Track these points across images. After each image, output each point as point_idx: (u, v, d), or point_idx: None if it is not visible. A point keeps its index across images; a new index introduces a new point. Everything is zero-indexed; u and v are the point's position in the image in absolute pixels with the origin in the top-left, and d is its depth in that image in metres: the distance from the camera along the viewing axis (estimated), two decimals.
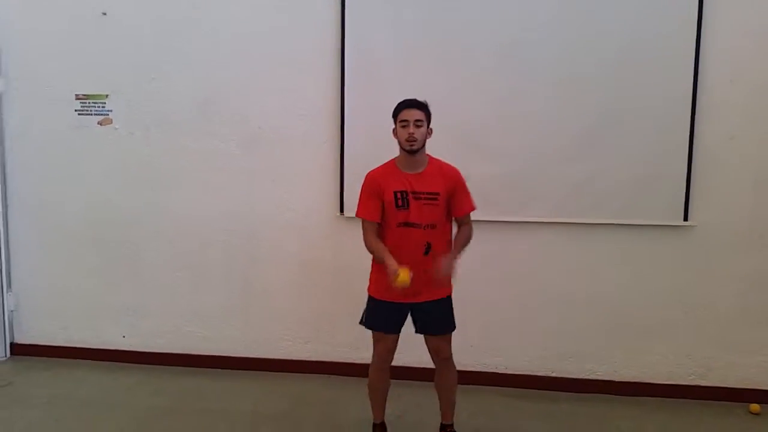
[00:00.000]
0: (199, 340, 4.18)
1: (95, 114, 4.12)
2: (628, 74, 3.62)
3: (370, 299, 2.99)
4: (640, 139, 3.64)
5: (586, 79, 3.65)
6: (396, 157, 2.89)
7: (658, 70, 3.60)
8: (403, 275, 2.62)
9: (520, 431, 3.35)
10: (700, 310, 3.75)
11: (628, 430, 3.37)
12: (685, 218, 3.68)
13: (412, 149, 2.78)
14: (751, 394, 3.72)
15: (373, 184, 2.85)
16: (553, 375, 3.88)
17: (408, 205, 2.80)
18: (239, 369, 4.12)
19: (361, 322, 3.03)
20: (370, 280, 3.00)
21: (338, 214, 3.93)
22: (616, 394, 3.80)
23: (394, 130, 2.85)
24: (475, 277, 3.60)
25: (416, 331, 2.98)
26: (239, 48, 3.94)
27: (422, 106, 2.81)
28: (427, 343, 3.01)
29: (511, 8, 3.68)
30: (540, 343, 3.88)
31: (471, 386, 3.76)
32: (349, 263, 3.91)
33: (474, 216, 2.97)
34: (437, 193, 2.82)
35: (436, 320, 2.96)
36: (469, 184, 2.95)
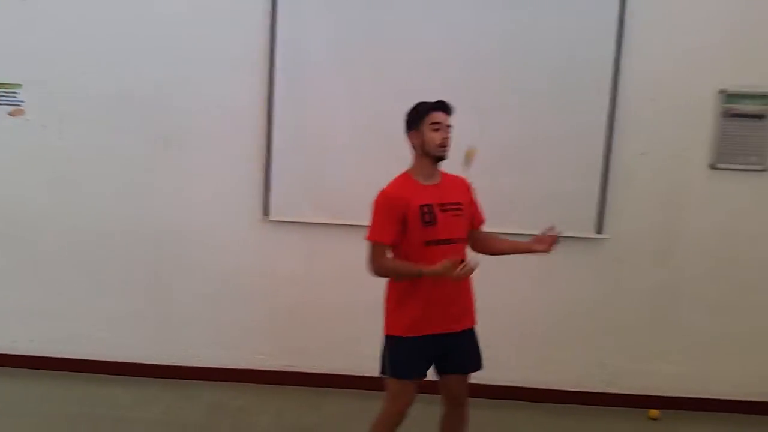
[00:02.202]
0: (110, 346, 4.01)
1: (6, 104, 3.90)
2: (551, 93, 3.72)
3: (394, 340, 2.48)
4: (559, 154, 3.76)
5: (509, 97, 3.73)
6: (410, 170, 2.54)
7: (578, 90, 3.72)
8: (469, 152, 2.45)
9: None
10: (610, 320, 3.90)
11: None
12: (599, 231, 3.80)
13: (443, 155, 2.47)
14: (654, 400, 3.90)
15: (397, 201, 2.41)
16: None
17: (435, 219, 2.42)
18: (151, 377, 3.98)
19: (383, 373, 2.55)
20: (389, 316, 2.51)
21: (262, 217, 3.85)
22: (527, 401, 3.90)
23: (414, 133, 2.49)
24: None
25: (443, 372, 2.57)
26: (161, 43, 3.81)
27: (452, 111, 2.51)
28: (445, 387, 2.61)
29: (439, 25, 3.72)
30: None
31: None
32: (272, 270, 3.89)
33: None
34: (461, 203, 2.54)
35: (473, 353, 2.61)
36: None
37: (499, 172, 3.71)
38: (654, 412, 3.83)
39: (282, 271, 3.91)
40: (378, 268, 2.45)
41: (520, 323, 3.88)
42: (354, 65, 3.74)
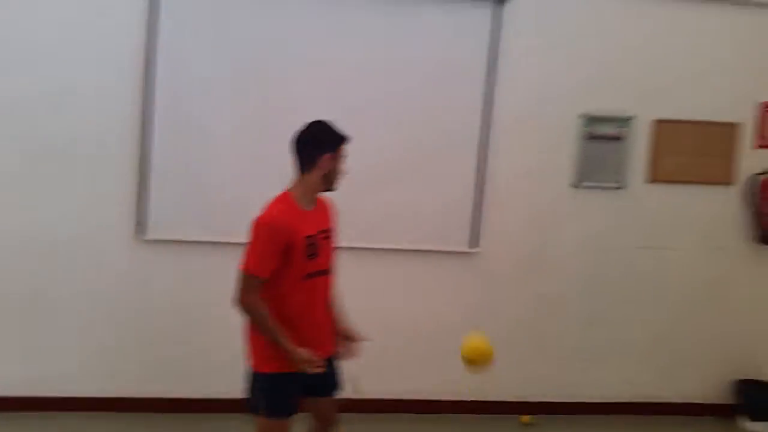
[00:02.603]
0: None
1: None
2: (425, 109, 3.84)
3: (267, 378, 2.32)
4: (433, 170, 3.88)
5: (383, 111, 3.80)
6: (293, 191, 2.36)
7: (451, 109, 3.87)
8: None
9: None
10: (483, 330, 4.03)
11: None
12: (473, 245, 3.96)
13: (335, 188, 2.41)
14: (526, 406, 4.10)
15: (282, 231, 2.22)
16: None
17: (318, 251, 2.31)
18: (17, 410, 3.67)
19: (254, 411, 2.38)
20: (262, 351, 2.32)
21: (135, 235, 3.69)
22: (404, 412, 3.98)
23: (318, 156, 2.31)
24: None
25: (315, 395, 2.47)
26: (35, 50, 3.52)
27: None
28: (317, 410, 2.55)
29: (318, 27, 3.73)
30: None
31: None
32: (144, 295, 3.72)
33: None
34: (330, 229, 2.45)
35: (339, 374, 2.58)
36: None
37: (373, 186, 3.76)
38: (526, 418, 4.03)
39: (158, 293, 3.75)
40: (248, 305, 2.24)
41: (393, 336, 3.90)
42: (238, 76, 3.68)
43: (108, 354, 3.76)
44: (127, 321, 3.74)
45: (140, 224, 3.66)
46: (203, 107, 3.65)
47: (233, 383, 3.65)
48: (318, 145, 2.33)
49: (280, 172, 3.54)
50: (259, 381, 2.36)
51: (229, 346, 3.69)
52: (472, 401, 4.08)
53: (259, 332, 2.30)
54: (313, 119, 2.45)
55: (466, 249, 3.98)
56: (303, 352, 2.22)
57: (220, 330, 3.72)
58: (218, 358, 3.75)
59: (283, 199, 2.34)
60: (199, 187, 3.69)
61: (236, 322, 3.61)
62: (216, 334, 3.74)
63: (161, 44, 3.55)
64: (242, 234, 3.36)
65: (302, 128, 2.40)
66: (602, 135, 4.02)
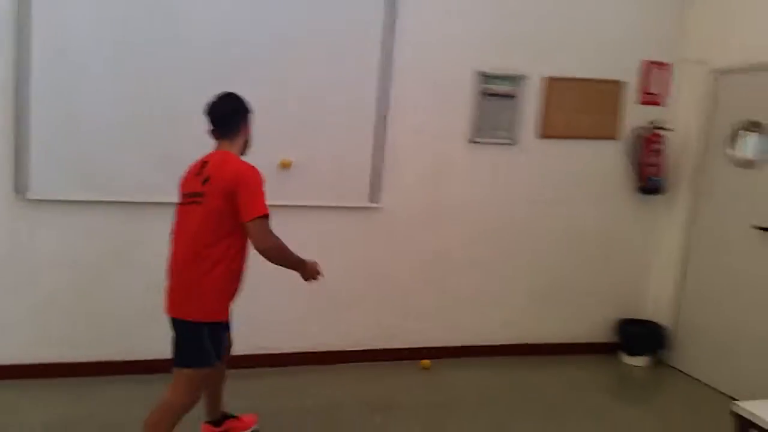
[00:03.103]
0: None
1: None
2: (328, 72, 3.85)
3: (211, 327, 2.46)
4: (338, 131, 3.93)
5: (286, 72, 3.79)
6: (233, 153, 2.58)
7: (351, 69, 3.90)
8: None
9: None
10: (386, 282, 4.20)
11: (322, 397, 3.68)
12: (374, 201, 4.06)
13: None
14: (425, 352, 4.31)
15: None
16: (254, 353, 3.99)
17: None
18: None
19: (185, 364, 2.46)
20: (211, 301, 2.44)
21: (14, 195, 3.50)
22: (315, 364, 4.11)
23: (242, 124, 2.63)
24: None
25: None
26: None
27: None
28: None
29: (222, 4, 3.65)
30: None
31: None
32: (31, 255, 3.60)
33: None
34: None
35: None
36: None
37: (276, 145, 3.78)
38: (425, 362, 4.23)
39: (43, 255, 3.62)
40: (276, 242, 2.44)
41: (302, 291, 3.95)
42: (124, 33, 3.54)
43: None
44: (13, 284, 3.60)
45: (20, 184, 3.50)
46: (82, 64, 3.49)
47: (125, 346, 3.74)
48: (241, 114, 2.62)
49: (158, 130, 3.60)
50: (201, 330, 2.44)
51: (122, 307, 3.74)
52: (374, 350, 4.25)
53: (223, 272, 2.45)
54: (223, 92, 2.65)
55: (367, 204, 4.07)
56: (315, 263, 2.63)
57: (110, 290, 3.72)
58: (111, 321, 3.75)
59: (238, 157, 2.57)
60: (79, 146, 3.55)
61: (123, 281, 3.69)
62: (105, 294, 3.72)
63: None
64: (121, 193, 3.45)
65: (220, 100, 2.60)
66: (496, 92, 4.15)
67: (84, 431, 3.14)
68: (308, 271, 2.63)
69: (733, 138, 4.07)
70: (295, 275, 2.67)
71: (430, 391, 3.89)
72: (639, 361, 4.54)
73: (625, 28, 4.31)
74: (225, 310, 2.55)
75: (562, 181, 4.41)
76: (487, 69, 4.11)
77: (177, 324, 2.50)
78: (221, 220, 2.42)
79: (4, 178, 3.46)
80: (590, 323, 4.67)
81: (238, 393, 3.31)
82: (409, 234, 4.20)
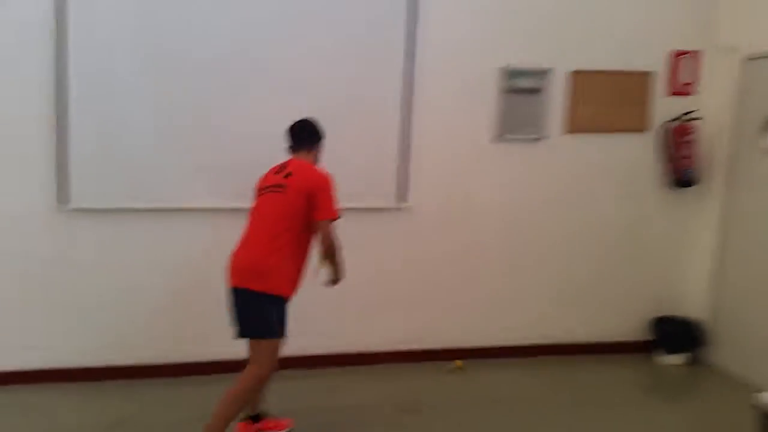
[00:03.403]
0: None
1: None
2: (349, 73, 3.88)
3: (283, 300, 2.88)
4: (362, 131, 3.94)
5: (307, 72, 3.82)
6: (310, 163, 3.03)
7: (374, 70, 3.92)
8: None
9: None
10: (416, 283, 4.18)
11: (354, 398, 3.71)
12: (402, 200, 4.07)
13: None
14: (458, 352, 4.27)
15: None
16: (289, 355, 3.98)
17: None
18: None
19: (265, 335, 2.83)
20: (283, 277, 2.84)
21: (57, 205, 3.62)
22: (348, 365, 4.11)
23: (318, 143, 3.11)
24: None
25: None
26: None
27: None
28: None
29: (243, 3, 3.70)
30: None
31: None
32: (74, 262, 3.70)
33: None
34: None
35: None
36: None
37: None
38: (458, 363, 4.20)
39: (86, 262, 3.73)
40: (338, 242, 2.88)
41: (328, 292, 3.95)
42: (152, 42, 3.63)
43: (40, 326, 3.75)
44: (57, 292, 3.72)
45: (62, 194, 3.61)
46: (118, 76, 3.60)
47: (166, 349, 3.81)
48: (319, 135, 3.10)
49: (194, 139, 3.66)
50: (276, 303, 2.84)
51: (163, 313, 3.82)
52: (405, 351, 4.23)
53: (296, 253, 2.89)
54: (304, 116, 3.12)
55: (395, 205, 4.06)
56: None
57: (152, 296, 3.81)
58: (153, 325, 3.83)
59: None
60: (120, 154, 3.66)
61: (167, 286, 3.77)
62: (148, 301, 3.82)
63: (72, 10, 3.47)
64: (160, 200, 3.52)
65: (304, 121, 3.10)
66: (521, 88, 4.12)
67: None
68: (341, 274, 2.99)
69: (766, 127, 3.96)
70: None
71: (462, 392, 3.86)
72: (676, 359, 4.43)
73: (652, 18, 4.23)
74: (291, 288, 2.90)
75: (590, 176, 4.34)
76: (512, 65, 4.07)
77: (243, 294, 2.82)
78: (297, 213, 2.83)
79: (47, 189, 3.59)
80: (625, 321, 4.58)
81: (272, 393, 3.33)
82: (437, 233, 4.18)
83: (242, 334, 2.85)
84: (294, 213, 2.83)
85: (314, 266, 2.99)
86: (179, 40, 3.65)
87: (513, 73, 4.09)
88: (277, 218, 2.84)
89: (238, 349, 3.00)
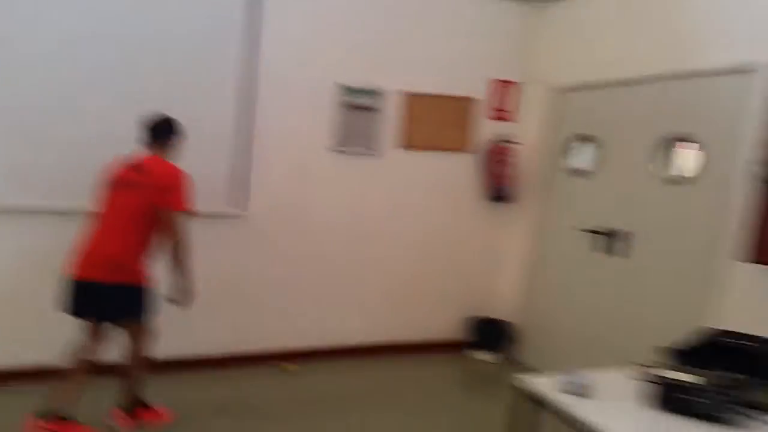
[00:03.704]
0: None
1: None
2: (185, 83, 3.91)
3: (147, 288, 3.14)
4: (201, 135, 3.89)
5: (148, 86, 3.83)
6: (164, 158, 3.16)
7: (210, 82, 3.99)
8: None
9: None
10: (247, 287, 4.31)
11: (174, 401, 3.67)
12: (242, 208, 4.18)
13: None
14: (288, 356, 4.47)
15: None
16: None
17: None
18: None
19: (139, 317, 3.14)
20: (141, 271, 3.08)
21: None
22: (175, 372, 4.10)
23: (176, 140, 3.23)
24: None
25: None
26: None
27: None
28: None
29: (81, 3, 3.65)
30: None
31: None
32: None
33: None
34: None
35: None
36: None
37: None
38: (288, 366, 4.38)
39: None
40: (184, 237, 3.06)
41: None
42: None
43: None
44: None
45: None
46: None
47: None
48: (174, 132, 3.21)
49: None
50: (143, 292, 3.11)
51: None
52: (232, 355, 4.33)
53: (143, 248, 3.07)
54: (161, 113, 3.23)
55: (235, 212, 4.16)
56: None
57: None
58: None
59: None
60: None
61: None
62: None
63: None
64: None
65: (160, 117, 3.20)
66: (358, 105, 4.41)
67: None
68: (190, 286, 3.24)
69: (568, 150, 4.55)
70: None
71: (290, 393, 4.02)
72: (489, 357, 4.91)
73: (474, 48, 4.69)
74: (146, 279, 3.13)
75: (419, 190, 4.72)
76: (349, 83, 4.34)
77: (96, 287, 3.03)
78: (150, 209, 3.00)
79: None
80: (445, 322, 5.03)
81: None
82: (275, 240, 4.33)
83: (112, 319, 3.12)
84: (147, 209, 3.01)
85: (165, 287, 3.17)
86: (7, 27, 3.52)
87: (350, 91, 4.36)
88: (131, 214, 3.01)
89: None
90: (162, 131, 3.17)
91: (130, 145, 3.36)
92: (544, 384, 2.34)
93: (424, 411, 3.92)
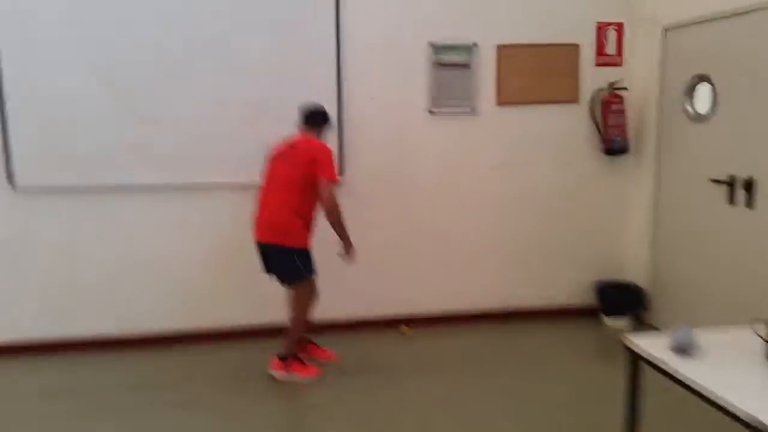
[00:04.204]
0: None
1: None
2: (282, 54, 4.09)
3: (306, 251, 3.53)
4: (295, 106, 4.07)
5: (247, 59, 4.05)
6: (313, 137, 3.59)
7: (306, 50, 4.11)
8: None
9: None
10: (359, 254, 4.26)
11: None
12: (339, 172, 4.17)
13: None
14: (405, 320, 4.46)
15: None
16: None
17: None
18: None
19: (300, 278, 3.52)
20: (299, 235, 3.49)
21: (6, 184, 3.88)
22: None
23: (325, 125, 3.67)
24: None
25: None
26: None
27: None
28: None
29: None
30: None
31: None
32: (25, 240, 3.97)
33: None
34: None
35: None
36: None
37: (249, 123, 4.08)
38: (405, 329, 4.38)
39: (37, 241, 4.00)
40: (338, 204, 3.46)
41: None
42: (84, 22, 3.86)
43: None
44: (13, 266, 3.99)
45: (9, 174, 3.87)
46: (55, 48, 3.84)
47: (120, 320, 4.03)
48: (323, 118, 3.66)
49: (129, 114, 3.89)
50: (303, 254, 3.51)
51: (113, 282, 4.03)
52: (355, 319, 4.42)
53: (303, 216, 3.49)
54: (315, 102, 3.71)
55: None
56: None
57: (101, 270, 4.03)
58: (101, 297, 4.07)
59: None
60: (59, 138, 3.91)
61: (113, 261, 3.99)
62: (97, 275, 4.06)
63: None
64: (105, 177, 3.80)
65: (313, 105, 3.67)
66: (451, 62, 4.26)
67: None
68: (349, 243, 3.66)
69: (687, 93, 4.08)
70: None
71: (408, 357, 4.00)
72: (618, 322, 4.56)
73: None
74: (307, 242, 3.55)
75: (526, 146, 4.50)
76: (440, 40, 4.23)
77: (270, 248, 3.52)
78: (303, 177, 3.41)
79: None
80: (567, 287, 4.72)
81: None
82: (374, 204, 4.34)
83: (281, 280, 3.57)
84: (301, 179, 3.42)
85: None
86: (116, 16, 3.89)
87: (441, 48, 4.24)
88: (289, 183, 3.43)
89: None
90: (313, 117, 3.63)
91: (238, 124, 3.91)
92: (652, 344, 2.10)
93: (545, 377, 3.70)
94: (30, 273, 4.01)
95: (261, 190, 3.58)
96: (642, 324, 4.55)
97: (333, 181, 3.44)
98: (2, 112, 3.80)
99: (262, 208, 3.56)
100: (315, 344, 3.94)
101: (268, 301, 4.16)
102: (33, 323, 4.04)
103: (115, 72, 3.90)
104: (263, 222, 3.53)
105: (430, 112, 4.32)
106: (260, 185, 3.60)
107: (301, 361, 3.71)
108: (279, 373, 3.65)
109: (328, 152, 3.47)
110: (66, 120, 3.89)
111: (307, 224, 3.55)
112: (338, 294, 4.29)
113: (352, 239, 3.58)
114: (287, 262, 3.51)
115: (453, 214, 4.48)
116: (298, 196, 3.46)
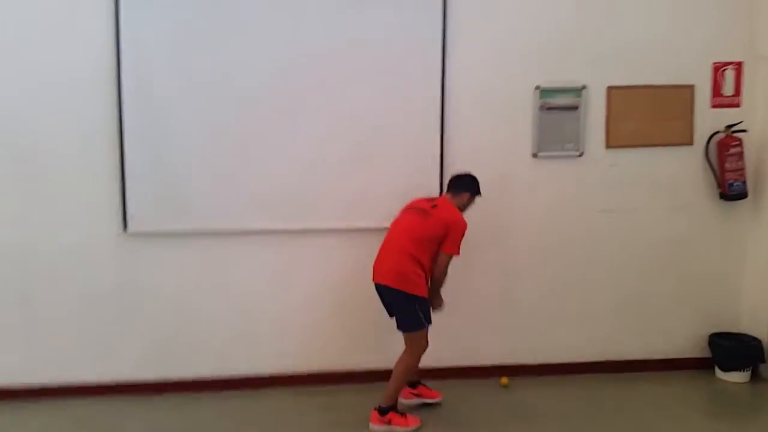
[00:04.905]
0: None
1: None
2: (387, 100, 4.07)
3: (424, 299, 3.56)
4: (401, 156, 4.10)
5: (353, 105, 4.05)
6: (453, 203, 3.68)
7: (411, 95, 4.08)
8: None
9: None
10: (461, 300, 4.19)
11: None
12: None
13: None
14: (505, 370, 4.29)
15: None
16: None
17: None
18: (20, 399, 3.99)
19: (415, 328, 3.54)
20: (418, 284, 3.53)
21: (121, 231, 3.95)
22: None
23: (470, 194, 3.73)
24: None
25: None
26: (6, 63, 3.82)
27: None
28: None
29: (284, 32, 3.97)
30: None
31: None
32: (135, 284, 4.02)
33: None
34: None
35: None
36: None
37: (345, 170, 4.07)
38: (504, 380, 4.21)
39: (147, 284, 4.04)
40: (446, 272, 3.62)
41: (371, 310, 3.93)
42: (197, 73, 3.94)
43: (105, 343, 4.06)
44: (121, 311, 4.04)
45: (124, 219, 3.95)
46: (168, 105, 3.93)
47: (222, 363, 4.01)
48: (470, 188, 3.72)
49: (241, 165, 3.96)
50: (421, 302, 3.53)
51: (216, 329, 4.04)
52: (452, 367, 4.27)
53: (422, 268, 3.54)
54: (468, 171, 3.78)
55: None
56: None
57: (207, 314, 4.04)
58: (205, 340, 4.08)
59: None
60: (172, 184, 3.98)
61: (219, 305, 4.00)
62: (203, 318, 4.07)
63: (125, 43, 3.84)
64: (213, 224, 3.83)
65: (465, 173, 3.76)
66: (558, 105, 4.17)
67: None
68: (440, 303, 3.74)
69: None
70: None
71: (510, 409, 3.87)
72: (734, 377, 4.27)
73: (691, 31, 4.21)
74: (425, 291, 3.59)
75: (636, 190, 4.31)
76: (545, 83, 4.15)
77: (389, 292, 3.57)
78: (431, 237, 3.52)
79: (114, 215, 3.96)
80: (679, 338, 4.47)
81: None
82: (477, 251, 4.14)
83: (400, 326, 3.58)
84: (429, 236, 3.52)
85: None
86: (226, 67, 3.95)
87: (548, 92, 4.15)
88: (417, 236, 3.52)
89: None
90: (462, 184, 3.70)
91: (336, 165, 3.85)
92: None
93: None
94: (136, 316, 4.05)
95: (389, 237, 3.65)
96: (761, 379, 4.24)
97: (454, 255, 3.55)
98: (122, 158, 3.90)
99: (388, 254, 3.60)
100: (424, 385, 3.93)
101: (374, 347, 4.14)
102: (135, 366, 4.07)
103: (229, 123, 3.98)
104: (389, 267, 3.56)
105: (534, 155, 4.20)
106: (389, 231, 3.67)
107: (401, 414, 3.61)
108: (379, 427, 3.56)
109: (463, 228, 3.54)
110: (181, 166, 3.97)
111: (427, 277, 3.60)
112: (436, 342, 4.11)
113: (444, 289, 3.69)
114: (410, 309, 3.52)
115: (558, 259, 4.33)
116: (425, 251, 3.54)
